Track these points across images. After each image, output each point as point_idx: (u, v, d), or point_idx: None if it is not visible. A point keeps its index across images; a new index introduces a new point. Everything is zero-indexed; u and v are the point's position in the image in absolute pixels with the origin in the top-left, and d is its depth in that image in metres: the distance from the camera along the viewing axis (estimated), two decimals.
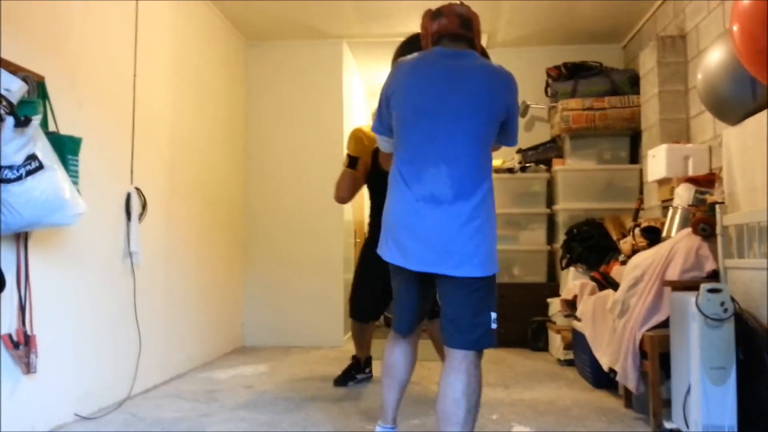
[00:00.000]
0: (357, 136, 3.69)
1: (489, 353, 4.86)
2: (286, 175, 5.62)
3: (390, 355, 2.38)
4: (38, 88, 2.76)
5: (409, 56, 2.25)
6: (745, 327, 2.49)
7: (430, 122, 2.10)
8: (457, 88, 2.10)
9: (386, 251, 2.20)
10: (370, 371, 4.03)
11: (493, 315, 2.12)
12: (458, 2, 2.30)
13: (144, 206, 3.68)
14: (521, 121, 5.66)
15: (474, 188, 2.07)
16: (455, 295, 2.12)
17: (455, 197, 2.05)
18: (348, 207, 5.85)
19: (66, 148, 2.79)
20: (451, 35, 2.20)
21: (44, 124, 2.73)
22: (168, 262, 4.06)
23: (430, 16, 2.24)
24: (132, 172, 3.61)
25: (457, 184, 2.05)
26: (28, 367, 2.67)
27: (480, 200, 2.08)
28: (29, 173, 2.50)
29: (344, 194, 3.71)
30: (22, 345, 2.65)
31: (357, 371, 3.95)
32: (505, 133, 2.22)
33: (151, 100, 3.86)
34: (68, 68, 3.05)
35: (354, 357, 3.99)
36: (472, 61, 2.18)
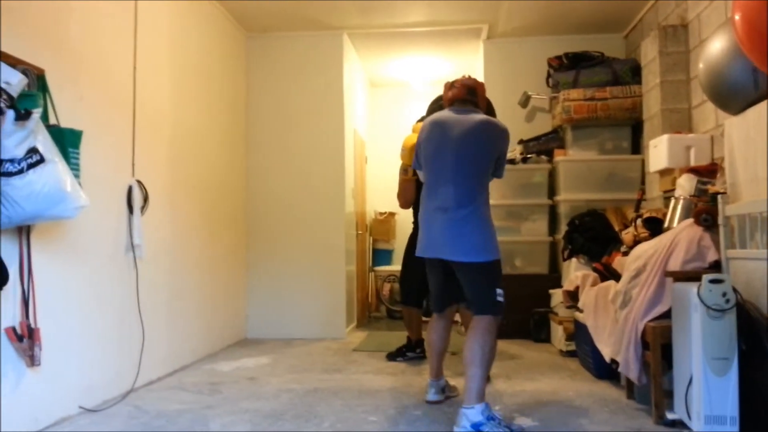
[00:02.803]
0: (408, 146, 3.88)
1: None
2: (287, 166, 5.62)
3: (430, 332, 3.29)
4: (38, 81, 2.75)
5: (433, 115, 3.17)
6: (747, 317, 2.49)
7: (443, 160, 2.99)
8: (460, 135, 2.96)
9: (419, 250, 3.09)
10: (422, 351, 4.30)
11: (498, 290, 2.89)
12: (467, 76, 3.23)
13: (146, 199, 3.68)
14: (522, 112, 5.65)
15: (469, 202, 2.89)
16: (466, 277, 2.94)
17: (456, 207, 2.89)
18: (349, 199, 5.85)
19: (67, 141, 2.79)
20: (460, 100, 3.11)
21: (44, 117, 2.73)
22: (171, 254, 4.07)
23: (448, 87, 3.19)
24: (133, 164, 3.61)
25: (458, 199, 2.89)
26: (32, 360, 2.68)
27: (474, 208, 2.89)
28: (30, 166, 2.51)
29: (410, 199, 4.06)
30: (26, 338, 2.66)
31: (408, 350, 4.40)
32: (497, 168, 3.05)
33: (151, 93, 3.85)
34: (68, 61, 3.05)
35: (408, 338, 4.45)
36: (475, 116, 3.03)
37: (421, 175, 3.23)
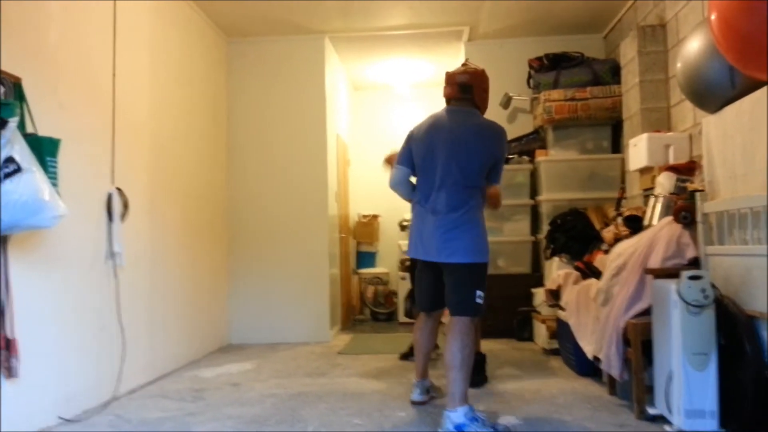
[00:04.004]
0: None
1: None
2: (269, 171, 5.60)
3: (416, 332, 3.33)
4: (15, 89, 2.72)
5: (431, 115, 3.09)
6: (725, 313, 2.51)
7: (434, 164, 2.94)
8: (454, 137, 2.91)
9: (410, 250, 3.11)
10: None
11: (479, 292, 2.86)
12: (466, 65, 3.09)
13: (126, 206, 3.64)
14: (504, 113, 5.67)
15: (460, 205, 2.87)
16: (451, 277, 2.92)
17: (448, 211, 2.87)
18: (332, 202, 5.84)
19: (44, 149, 2.76)
20: (455, 99, 3.03)
21: (21, 125, 2.69)
22: (151, 261, 4.04)
23: (446, 80, 3.07)
24: (113, 172, 3.57)
25: (448, 203, 2.87)
26: (9, 372, 2.64)
27: (464, 212, 2.87)
28: (7, 176, 2.48)
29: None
30: (3, 350, 2.62)
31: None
32: (492, 174, 2.98)
33: (131, 100, 3.82)
34: (47, 69, 3.01)
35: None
36: (472, 118, 2.98)
37: (397, 169, 3.11)
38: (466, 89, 3.01)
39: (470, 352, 2.82)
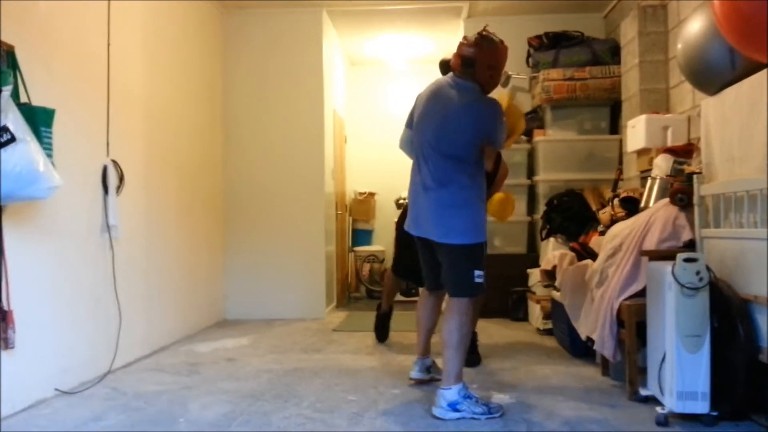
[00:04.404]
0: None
1: None
2: (266, 145, 5.56)
3: (419, 308, 3.27)
4: (8, 57, 2.68)
5: (434, 81, 3.03)
6: (719, 295, 2.53)
7: (427, 135, 2.88)
8: (445, 110, 2.84)
9: (406, 224, 3.05)
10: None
11: (477, 272, 2.80)
12: (475, 38, 2.88)
13: (121, 179, 3.62)
14: (504, 92, 5.61)
15: (448, 182, 2.80)
16: (444, 258, 2.87)
17: (437, 186, 2.81)
18: (329, 179, 5.82)
19: (39, 119, 2.73)
20: (457, 71, 2.90)
21: (15, 95, 2.65)
22: (147, 235, 4.03)
23: (458, 47, 2.94)
24: (108, 144, 3.54)
25: (437, 178, 2.81)
26: (6, 343, 2.65)
27: (457, 189, 2.80)
28: (1, 146, 2.45)
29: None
30: (0, 321, 2.62)
31: (387, 319, 4.34)
32: (490, 141, 2.90)
33: (125, 71, 3.78)
34: (39, 38, 2.97)
35: (380, 307, 4.37)
36: (462, 97, 2.84)
37: (404, 132, 3.11)
38: (468, 64, 2.86)
39: (467, 331, 2.81)
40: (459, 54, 2.89)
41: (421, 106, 2.98)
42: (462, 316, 2.78)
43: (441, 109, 2.86)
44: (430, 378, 3.23)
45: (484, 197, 2.94)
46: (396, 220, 4.31)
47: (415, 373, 3.24)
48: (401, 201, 6.54)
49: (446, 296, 3.00)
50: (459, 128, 2.81)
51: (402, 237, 3.92)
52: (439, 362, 3.30)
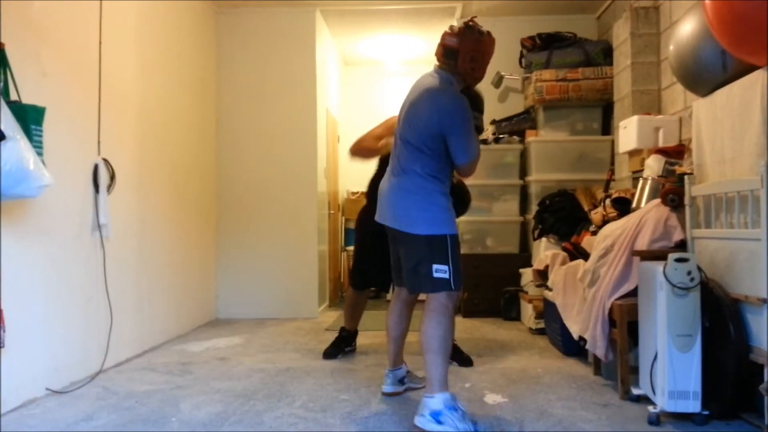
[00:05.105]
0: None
1: (462, 323, 4.92)
2: (258, 145, 5.55)
3: (389, 316, 3.02)
4: None
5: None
6: (710, 295, 2.54)
7: (400, 122, 2.80)
8: (412, 103, 2.75)
9: (377, 214, 2.85)
10: (355, 345, 4.00)
11: (437, 266, 2.59)
12: (460, 28, 2.73)
13: (112, 178, 3.60)
14: (495, 92, 5.64)
15: (408, 169, 2.68)
16: (402, 249, 2.74)
17: (399, 173, 2.72)
18: (321, 178, 5.82)
19: (29, 117, 2.71)
20: (439, 62, 2.78)
21: (5, 93, 2.64)
22: (139, 234, 4.01)
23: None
24: (99, 143, 3.52)
25: (400, 164, 2.72)
26: None
27: (412, 177, 2.66)
28: None
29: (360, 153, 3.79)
30: None
31: (346, 344, 3.95)
32: (452, 150, 2.66)
33: (117, 69, 3.76)
34: (30, 36, 2.95)
35: (343, 329, 3.98)
36: (436, 83, 2.71)
37: None
38: (450, 54, 2.70)
39: (446, 332, 2.58)
40: (442, 44, 2.74)
41: (403, 100, 2.90)
42: (439, 315, 2.57)
43: (414, 97, 2.75)
44: (405, 389, 3.05)
45: (447, 191, 2.73)
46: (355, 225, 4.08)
47: (386, 387, 3.02)
48: None
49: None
50: (422, 117, 2.66)
51: (361, 240, 3.88)
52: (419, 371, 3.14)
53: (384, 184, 2.83)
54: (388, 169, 2.84)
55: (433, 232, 2.62)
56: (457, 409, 2.47)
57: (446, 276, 2.59)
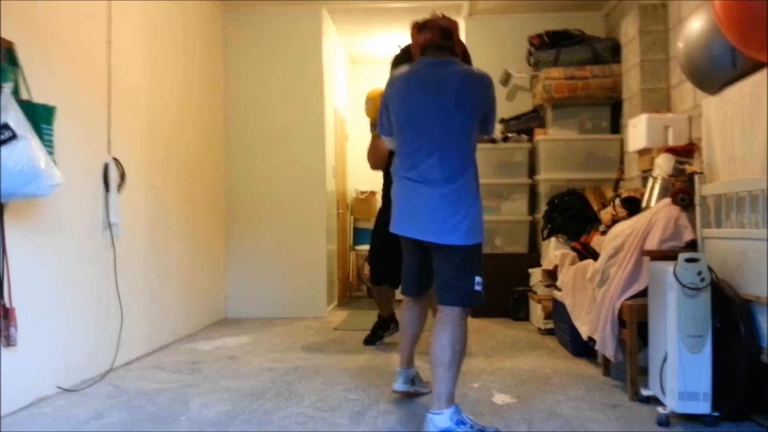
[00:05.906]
0: (374, 98, 3.59)
1: (471, 323, 4.90)
2: (267, 144, 5.56)
3: (403, 314, 2.92)
4: (8, 54, 2.67)
5: (400, 70, 2.67)
6: (721, 296, 2.53)
7: (423, 125, 2.52)
8: (441, 92, 2.51)
9: (393, 225, 2.66)
10: (396, 325, 4.13)
11: (477, 278, 2.49)
12: (440, 15, 2.64)
13: (122, 177, 3.62)
14: (503, 90, 5.62)
15: (460, 174, 2.48)
16: (444, 261, 2.52)
17: (444, 181, 2.47)
18: (330, 177, 5.82)
19: (40, 117, 2.73)
20: (435, 46, 2.58)
21: (16, 92, 2.65)
22: (148, 233, 4.02)
23: (417, 29, 2.63)
24: (109, 142, 3.54)
25: (446, 170, 2.46)
26: (8, 341, 2.65)
27: (464, 183, 2.49)
28: (2, 143, 2.45)
29: (382, 158, 3.69)
30: (2, 318, 2.62)
31: (382, 329, 4.20)
32: (484, 124, 2.60)
33: (126, 69, 3.77)
34: (39, 35, 2.96)
35: (379, 316, 4.22)
36: (454, 67, 2.56)
37: (387, 141, 2.74)
38: (448, 35, 2.58)
39: (462, 347, 2.44)
40: (436, 26, 2.58)
41: (399, 100, 2.60)
42: (456, 327, 2.43)
43: (438, 89, 2.52)
44: (414, 391, 2.95)
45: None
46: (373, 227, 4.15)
47: (398, 385, 2.92)
48: None
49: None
50: (464, 102, 2.51)
51: (379, 241, 3.91)
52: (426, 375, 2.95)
53: (412, 197, 2.54)
54: (410, 177, 2.54)
55: (476, 241, 2.51)
56: (465, 422, 2.38)
57: (481, 288, 2.51)
